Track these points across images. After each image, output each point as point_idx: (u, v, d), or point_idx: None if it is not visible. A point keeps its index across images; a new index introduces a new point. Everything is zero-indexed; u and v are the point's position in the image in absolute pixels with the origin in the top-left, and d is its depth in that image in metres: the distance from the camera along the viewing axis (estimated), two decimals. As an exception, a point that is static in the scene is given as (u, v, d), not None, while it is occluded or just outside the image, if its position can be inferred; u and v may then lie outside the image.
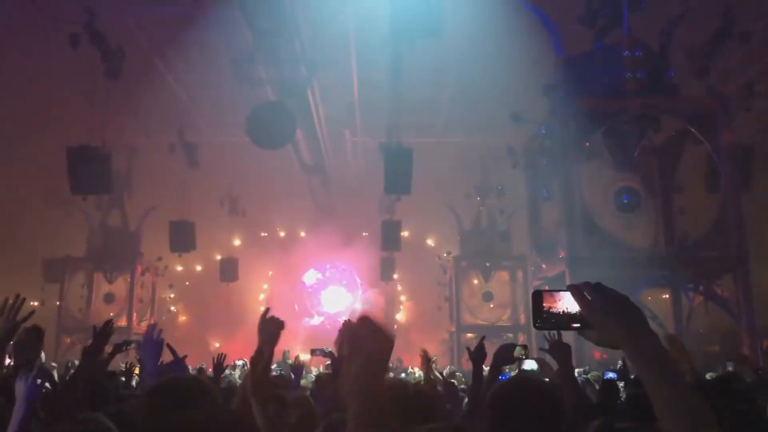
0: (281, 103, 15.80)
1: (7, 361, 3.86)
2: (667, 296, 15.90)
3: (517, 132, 15.57)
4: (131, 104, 18.00)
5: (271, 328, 2.73)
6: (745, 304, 13.09)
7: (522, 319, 21.22)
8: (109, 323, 3.12)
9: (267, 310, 2.84)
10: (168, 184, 21.03)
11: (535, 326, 1.46)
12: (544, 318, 1.42)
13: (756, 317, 13.21)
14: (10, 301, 2.60)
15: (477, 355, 3.75)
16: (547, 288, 1.52)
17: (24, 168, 20.50)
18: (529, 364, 5.95)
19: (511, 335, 20.86)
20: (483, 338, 3.90)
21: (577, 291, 1.36)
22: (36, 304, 19.30)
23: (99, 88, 15.35)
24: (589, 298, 1.35)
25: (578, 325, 1.38)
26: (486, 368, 3.84)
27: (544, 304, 1.42)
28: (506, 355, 3.56)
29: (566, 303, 1.39)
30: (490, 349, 3.75)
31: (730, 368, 9.48)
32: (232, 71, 15.98)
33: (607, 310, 1.32)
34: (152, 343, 3.17)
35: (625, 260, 13.32)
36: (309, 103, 18.06)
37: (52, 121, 18.20)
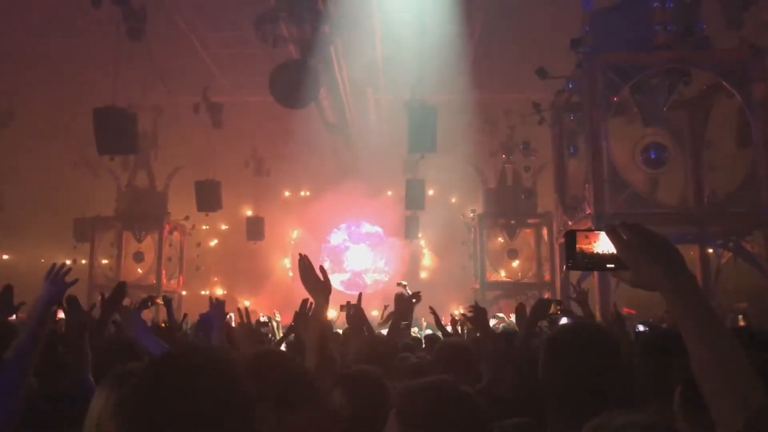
0: (304, 62, 15.68)
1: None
2: (695, 253, 15.75)
3: (543, 88, 15.33)
4: (155, 65, 18.02)
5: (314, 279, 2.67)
6: (774, 261, 12.94)
7: (547, 276, 21.20)
8: (122, 285, 3.60)
9: (302, 258, 2.72)
10: (193, 144, 21.17)
11: (567, 266, 1.43)
12: (577, 258, 1.38)
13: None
14: (57, 267, 2.72)
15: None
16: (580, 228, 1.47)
17: (52, 130, 20.76)
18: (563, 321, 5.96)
19: (536, 292, 20.89)
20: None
21: (613, 231, 1.33)
22: (69, 262, 19.75)
23: (122, 49, 15.36)
24: (625, 237, 1.31)
25: (613, 266, 1.34)
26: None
27: (577, 245, 1.37)
28: (543, 311, 3.57)
29: (601, 244, 1.35)
30: (511, 307, 3.76)
31: (742, 323, 9.43)
32: (254, 30, 15.87)
33: (644, 250, 1.28)
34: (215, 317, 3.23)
35: (652, 216, 13.17)
36: (332, 61, 17.91)
37: (78, 83, 18.33)
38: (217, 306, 3.38)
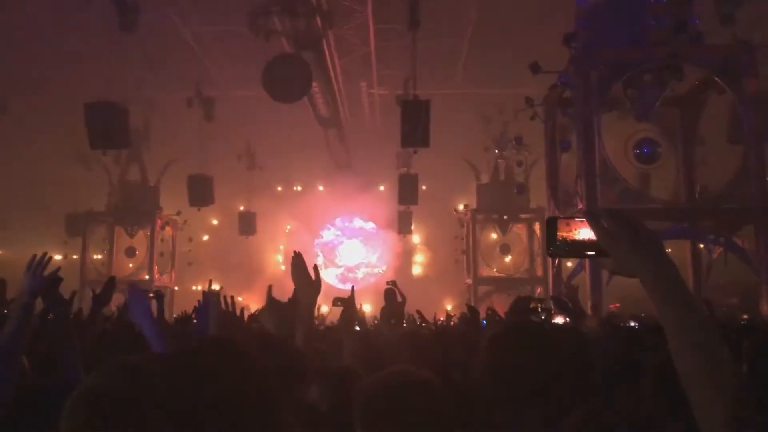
0: (297, 55, 15.65)
1: None
2: (687, 248, 15.80)
3: (536, 83, 15.33)
4: (147, 58, 17.94)
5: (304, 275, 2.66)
6: (765, 255, 12.96)
7: (539, 271, 21.27)
8: (112, 279, 3.54)
9: (296, 255, 2.72)
10: (186, 138, 21.10)
11: (548, 254, 1.43)
12: (558, 245, 1.39)
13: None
14: (38, 258, 2.67)
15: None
16: (561, 216, 1.48)
17: (43, 124, 20.66)
18: (559, 320, 5.92)
19: (528, 287, 20.96)
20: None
21: (593, 218, 1.34)
22: (59, 257, 19.68)
23: (115, 43, 15.28)
24: (605, 225, 1.31)
25: (593, 252, 1.35)
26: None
27: (558, 233, 1.38)
28: (522, 308, 3.56)
29: (581, 232, 1.36)
30: (506, 302, 3.76)
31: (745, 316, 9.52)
32: (247, 24, 15.82)
33: (623, 237, 1.28)
34: (138, 300, 3.08)
35: (644, 212, 13.20)
36: (325, 55, 17.88)
37: (70, 77, 18.24)
38: (210, 296, 3.36)
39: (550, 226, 1.40)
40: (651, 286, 1.26)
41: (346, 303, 4.37)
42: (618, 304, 14.28)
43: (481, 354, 1.97)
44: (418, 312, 6.53)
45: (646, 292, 1.28)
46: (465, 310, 4.73)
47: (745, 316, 9.29)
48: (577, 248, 1.38)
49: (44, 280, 2.63)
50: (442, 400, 1.57)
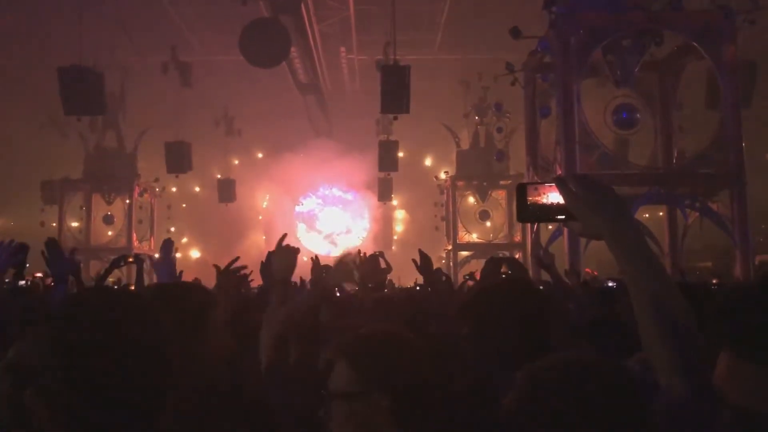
0: (275, 19, 15.40)
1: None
2: (663, 213, 16.00)
3: (516, 49, 15.27)
4: (122, 23, 17.57)
5: (288, 258, 2.50)
6: (739, 220, 13.17)
7: (518, 236, 21.44)
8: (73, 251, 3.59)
9: (283, 237, 2.60)
10: (162, 104, 20.78)
11: (518, 219, 1.47)
12: (528, 210, 1.42)
13: (751, 234, 13.33)
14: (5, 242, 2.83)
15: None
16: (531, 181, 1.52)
17: (17, 90, 20.23)
18: None
19: (507, 253, 21.14)
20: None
21: (561, 182, 1.37)
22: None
23: (88, 6, 14.91)
24: (573, 189, 1.35)
25: (562, 216, 1.39)
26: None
27: (528, 198, 1.42)
28: (494, 269, 3.58)
29: (551, 197, 1.40)
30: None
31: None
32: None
33: (589, 201, 1.32)
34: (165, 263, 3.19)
35: (622, 177, 13.33)
36: (303, 19, 17.63)
37: (43, 42, 17.82)
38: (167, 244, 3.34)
39: (520, 192, 1.43)
40: (614, 246, 1.31)
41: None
42: (596, 272, 14.44)
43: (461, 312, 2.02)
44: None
45: (611, 252, 1.32)
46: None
47: (715, 281, 9.46)
48: (546, 212, 1.41)
49: (7, 263, 2.70)
50: (421, 357, 1.60)
